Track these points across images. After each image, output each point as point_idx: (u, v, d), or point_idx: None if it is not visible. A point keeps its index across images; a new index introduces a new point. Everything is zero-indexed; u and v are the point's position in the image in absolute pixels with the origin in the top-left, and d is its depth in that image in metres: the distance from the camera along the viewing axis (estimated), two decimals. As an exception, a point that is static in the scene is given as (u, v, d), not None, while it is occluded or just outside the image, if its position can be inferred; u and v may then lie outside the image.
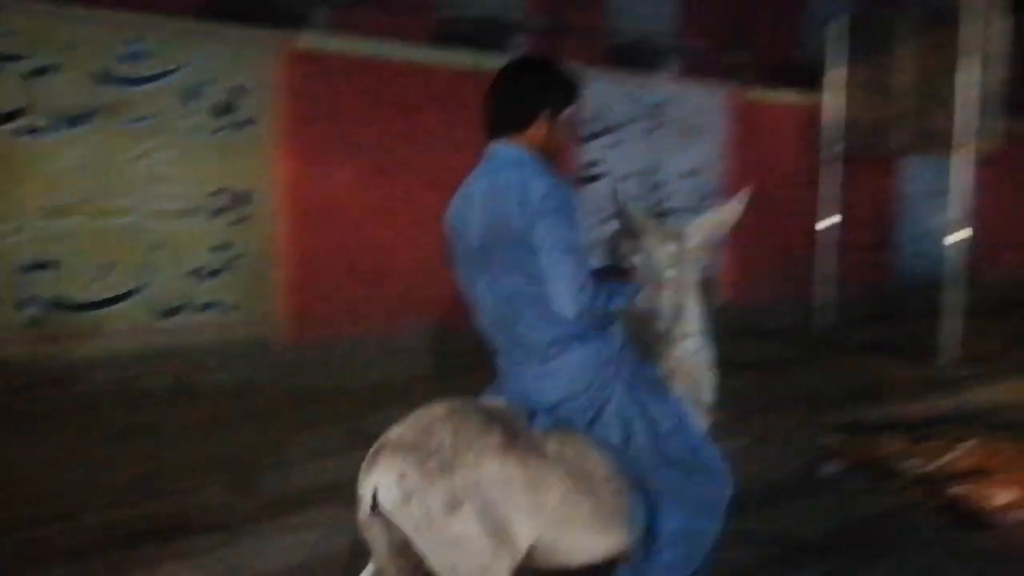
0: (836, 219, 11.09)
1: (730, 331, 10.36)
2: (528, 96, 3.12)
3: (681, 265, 3.38)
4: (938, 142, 9.80)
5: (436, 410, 3.02)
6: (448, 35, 11.97)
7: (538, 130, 3.11)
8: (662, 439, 3.07)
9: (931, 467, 6.02)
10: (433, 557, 2.81)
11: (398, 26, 10.81)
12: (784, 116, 11.33)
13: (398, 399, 7.42)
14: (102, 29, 6.94)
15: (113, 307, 7.15)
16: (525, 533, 2.87)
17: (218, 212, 7.47)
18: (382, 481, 2.81)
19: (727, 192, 10.88)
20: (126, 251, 7.13)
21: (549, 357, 3.04)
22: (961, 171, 9.32)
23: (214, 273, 7.50)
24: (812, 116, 11.25)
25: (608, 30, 13.40)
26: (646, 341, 3.32)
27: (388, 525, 2.83)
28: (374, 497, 2.81)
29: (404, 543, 2.84)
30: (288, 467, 5.78)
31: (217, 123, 7.40)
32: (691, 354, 3.38)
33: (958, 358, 9.30)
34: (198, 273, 7.44)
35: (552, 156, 3.12)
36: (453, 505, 2.78)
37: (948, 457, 6.08)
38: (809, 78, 11.74)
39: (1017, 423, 7.13)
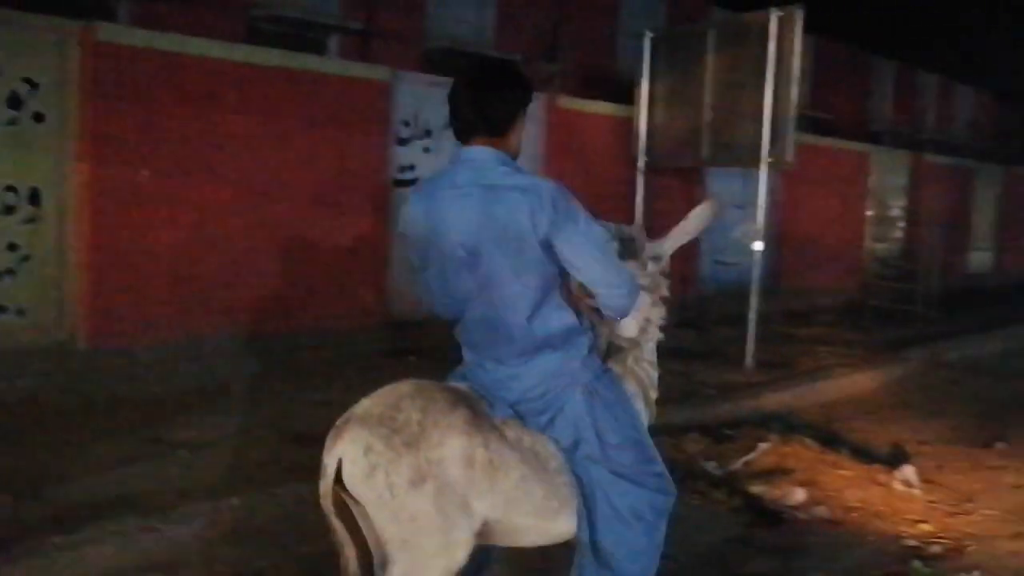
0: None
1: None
2: (508, 100, 3.14)
3: (658, 280, 3.64)
4: (740, 155, 10.17)
5: (403, 387, 3.05)
6: (261, 34, 11.71)
7: (515, 133, 3.17)
8: (609, 450, 3.13)
9: (732, 467, 6.22)
10: (386, 531, 2.86)
11: (209, 23, 10.51)
12: (599, 126, 11.53)
13: (201, 406, 7.19)
14: None
15: None
16: (480, 512, 2.94)
17: (7, 210, 7.02)
18: (348, 452, 2.85)
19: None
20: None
21: (521, 360, 3.13)
22: (763, 184, 9.68)
23: (2, 275, 7.05)
24: (626, 127, 11.50)
25: (424, 35, 13.40)
26: (608, 344, 3.47)
27: (347, 498, 2.88)
28: (338, 469, 2.85)
29: (362, 517, 2.90)
30: (79, 478, 5.46)
31: (7, 116, 6.96)
32: (645, 358, 3.55)
33: (759, 364, 9.65)
34: (-16, 275, 7.00)
35: (515, 157, 3.17)
36: (416, 481, 2.83)
37: (747, 458, 6.30)
38: (623, 90, 12.01)
39: (810, 425, 7.46)
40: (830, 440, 6.89)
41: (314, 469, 5.60)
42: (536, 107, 10.89)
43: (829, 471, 6.22)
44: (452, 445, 2.90)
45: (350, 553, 2.97)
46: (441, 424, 2.92)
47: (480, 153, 3.09)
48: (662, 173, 11.82)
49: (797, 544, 5.15)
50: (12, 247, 7.08)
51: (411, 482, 2.82)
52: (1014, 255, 22.17)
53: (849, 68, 20.07)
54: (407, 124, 9.58)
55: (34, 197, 7.15)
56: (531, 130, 10.80)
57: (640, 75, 11.23)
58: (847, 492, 5.92)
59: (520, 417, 3.14)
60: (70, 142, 7.28)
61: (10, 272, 7.09)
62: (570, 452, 3.14)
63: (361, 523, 2.94)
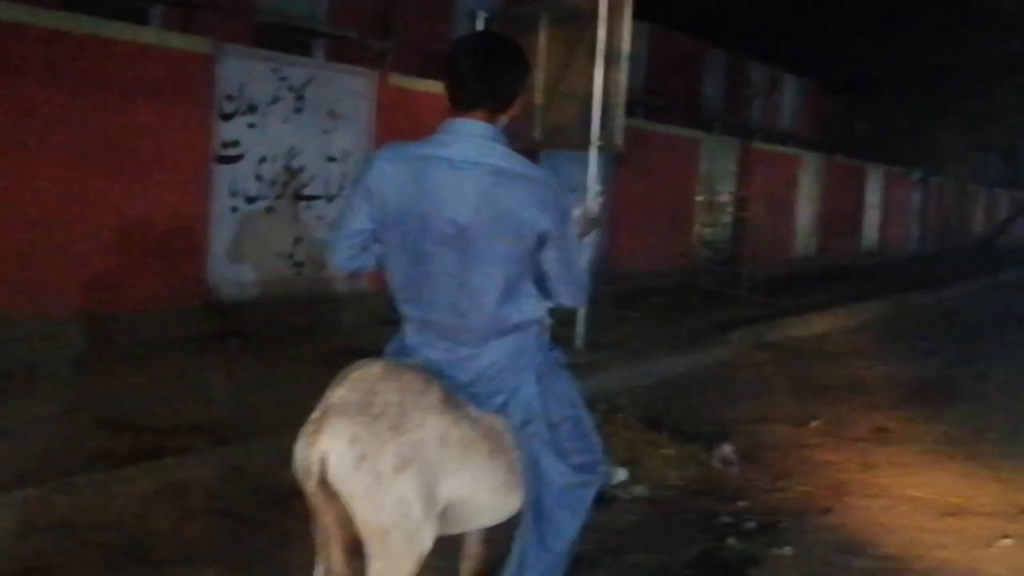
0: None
1: (375, 318, 10.36)
2: (515, 75, 3.10)
3: None
4: (571, 138, 10.19)
5: (373, 369, 2.93)
6: (78, 1, 11.14)
7: (512, 110, 3.10)
8: (553, 429, 3.13)
9: (556, 449, 6.19)
10: (370, 522, 2.77)
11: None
12: (433, 105, 11.37)
13: (5, 390, 6.76)
14: None
15: None
16: (444, 494, 2.90)
17: None
18: (333, 447, 2.73)
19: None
20: None
21: (481, 343, 3.07)
22: (592, 167, 9.72)
23: None
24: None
25: (252, 8, 13.01)
26: None
27: (326, 494, 2.77)
28: (322, 465, 2.73)
29: (347, 511, 2.77)
30: None
31: None
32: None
33: (589, 345, 9.71)
34: None
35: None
36: (401, 467, 2.77)
37: (571, 438, 6.28)
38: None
39: (635, 405, 7.53)
40: (653, 421, 6.96)
41: (122, 456, 5.40)
42: (367, 84, 10.74)
43: (651, 451, 6.28)
44: (430, 425, 2.85)
45: (336, 550, 2.87)
46: (420, 405, 2.86)
47: (480, 128, 3.01)
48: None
49: (616, 523, 5.16)
50: None
51: (396, 468, 2.76)
52: (836, 240, 23.09)
53: (683, 57, 20.48)
54: (231, 98, 9.23)
55: None
56: (362, 108, 10.60)
57: (473, 56, 11.14)
58: (667, 471, 5.99)
59: (475, 398, 3.07)
60: None
61: None
62: (519, 430, 3.12)
63: (337, 518, 2.82)
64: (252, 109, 9.43)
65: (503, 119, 3.07)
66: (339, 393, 2.86)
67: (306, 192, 10.06)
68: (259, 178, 9.56)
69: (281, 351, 8.71)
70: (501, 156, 2.97)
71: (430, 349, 3.11)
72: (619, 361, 9.26)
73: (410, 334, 3.16)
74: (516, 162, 2.98)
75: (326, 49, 13.86)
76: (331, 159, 10.34)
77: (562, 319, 10.37)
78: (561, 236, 3.03)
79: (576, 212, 3.42)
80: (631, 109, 10.52)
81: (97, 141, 8.01)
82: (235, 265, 9.35)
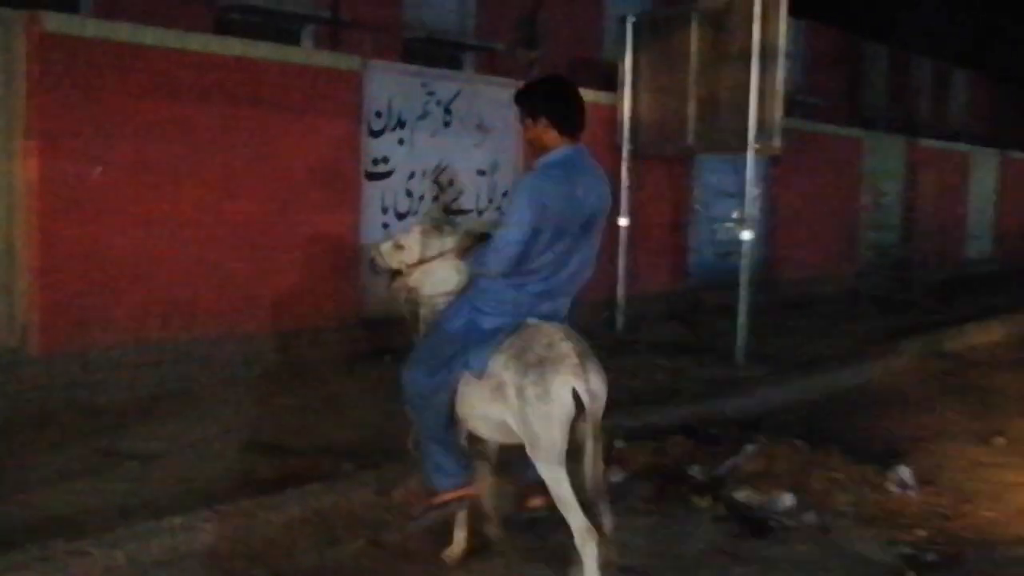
0: (628, 219, 11.02)
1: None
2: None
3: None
4: (726, 141, 9.82)
5: (563, 328, 4.17)
6: (230, 25, 11.36)
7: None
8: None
9: (716, 472, 5.86)
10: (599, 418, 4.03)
11: (176, 14, 10.15)
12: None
13: (160, 414, 6.85)
14: None
15: None
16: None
17: (-51, 210, 6.67)
18: (596, 379, 4.02)
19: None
20: None
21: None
22: (750, 171, 9.34)
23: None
24: (611, 115, 11.13)
25: (401, 24, 13.07)
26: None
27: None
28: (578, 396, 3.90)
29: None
30: (16, 495, 5.12)
31: (-52, 110, 6.61)
32: None
33: (750, 358, 9.31)
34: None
35: None
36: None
37: (731, 462, 5.94)
38: (608, 77, 11.65)
39: (801, 422, 7.10)
40: (821, 439, 6.52)
41: (269, 481, 5.34)
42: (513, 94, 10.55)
43: (819, 474, 5.84)
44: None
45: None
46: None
47: (583, 149, 4.26)
48: (648, 161, 11.47)
49: (783, 554, 4.81)
50: (-45, 248, 6.72)
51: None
52: (1011, 241, 21.79)
53: (841, 53, 19.73)
54: (379, 115, 9.19)
55: (-22, 196, 6.79)
56: (510, 119, 10.44)
57: (622, 60, 10.87)
58: (837, 496, 5.57)
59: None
60: (17, 139, 6.90)
61: (-46, 274, 6.73)
62: None
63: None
64: (401, 124, 9.37)
65: None
66: (571, 345, 4.01)
67: (456, 206, 9.95)
68: (409, 193, 9.50)
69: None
70: (597, 168, 4.35)
71: (548, 305, 4.24)
72: (781, 375, 8.83)
73: (527, 303, 4.20)
74: (600, 169, 4.36)
75: (475, 61, 13.83)
76: (480, 172, 10.21)
77: (720, 330, 10.10)
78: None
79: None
80: (789, 109, 10.07)
81: (247, 163, 8.06)
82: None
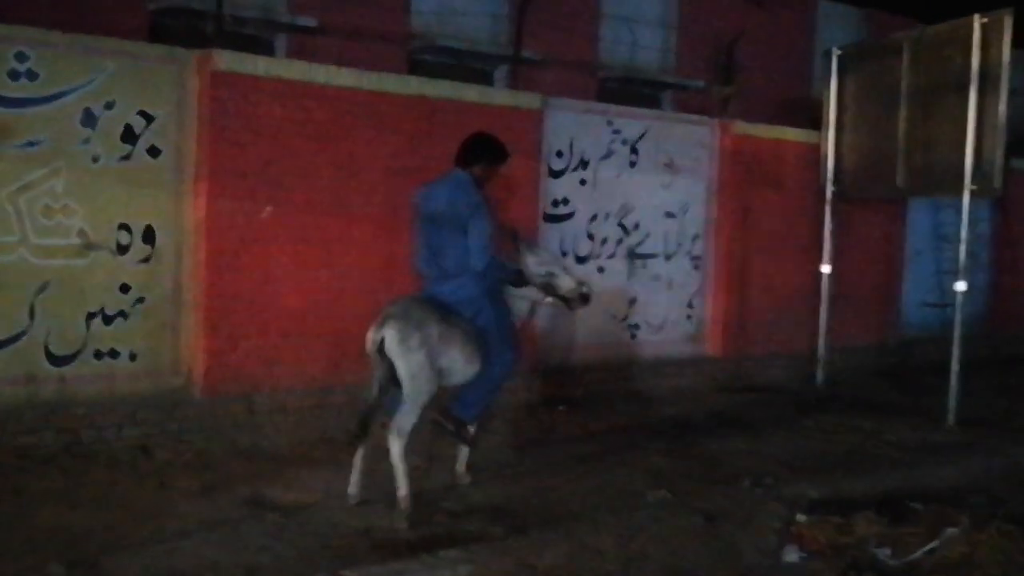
0: (830, 267, 10.21)
1: (717, 385, 9.57)
2: (474, 152, 6.07)
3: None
4: (940, 182, 8.96)
5: (410, 298, 5.94)
6: (422, 65, 11.31)
7: (478, 169, 6.03)
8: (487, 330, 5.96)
9: (910, 558, 5.11)
10: (403, 372, 5.62)
11: (368, 56, 10.16)
12: (782, 153, 10.46)
13: (317, 462, 6.62)
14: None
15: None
16: (441, 363, 5.75)
17: (120, 249, 6.68)
18: (388, 333, 5.60)
19: (716, 234, 10.05)
20: (11, 290, 6.35)
21: (455, 279, 5.92)
22: (965, 214, 8.45)
23: (114, 317, 6.69)
24: (814, 154, 10.38)
25: (598, 64, 12.77)
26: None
27: (384, 357, 5.65)
28: (381, 342, 5.63)
29: (391, 365, 5.65)
30: (150, 546, 4.93)
31: (121, 150, 6.64)
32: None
33: (962, 422, 8.37)
34: (96, 317, 6.64)
35: (481, 185, 6.02)
36: (419, 346, 5.61)
37: (929, 547, 5.15)
38: (809, 114, 10.93)
39: (1013, 502, 6.19)
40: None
41: (411, 543, 5.00)
42: (708, 133, 10.02)
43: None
44: (434, 327, 5.69)
45: (375, 388, 5.74)
46: (431, 317, 5.71)
47: (457, 172, 6.05)
48: (855, 204, 10.64)
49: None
50: (125, 288, 6.73)
51: (419, 346, 5.62)
52: None
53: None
54: (560, 155, 8.83)
55: (148, 236, 6.80)
56: (703, 158, 9.89)
57: (827, 96, 10.13)
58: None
59: (456, 309, 5.91)
60: (187, 177, 6.92)
61: (123, 314, 6.74)
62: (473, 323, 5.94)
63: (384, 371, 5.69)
64: (583, 164, 9.00)
65: (475, 172, 6.03)
66: (391, 309, 5.73)
67: (641, 250, 9.45)
68: (590, 236, 9.08)
69: (606, 419, 8.17)
70: (461, 184, 5.97)
71: (434, 285, 6.02)
72: (996, 442, 7.86)
73: (427, 283, 6.10)
74: (464, 186, 5.96)
75: (674, 100, 13.36)
76: (669, 215, 9.69)
77: (930, 388, 9.13)
78: (471, 218, 5.81)
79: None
80: (1013, 146, 9.09)
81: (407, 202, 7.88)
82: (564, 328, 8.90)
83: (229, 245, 6.99)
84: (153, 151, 6.78)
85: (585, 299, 6.24)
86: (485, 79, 11.76)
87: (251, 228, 7.07)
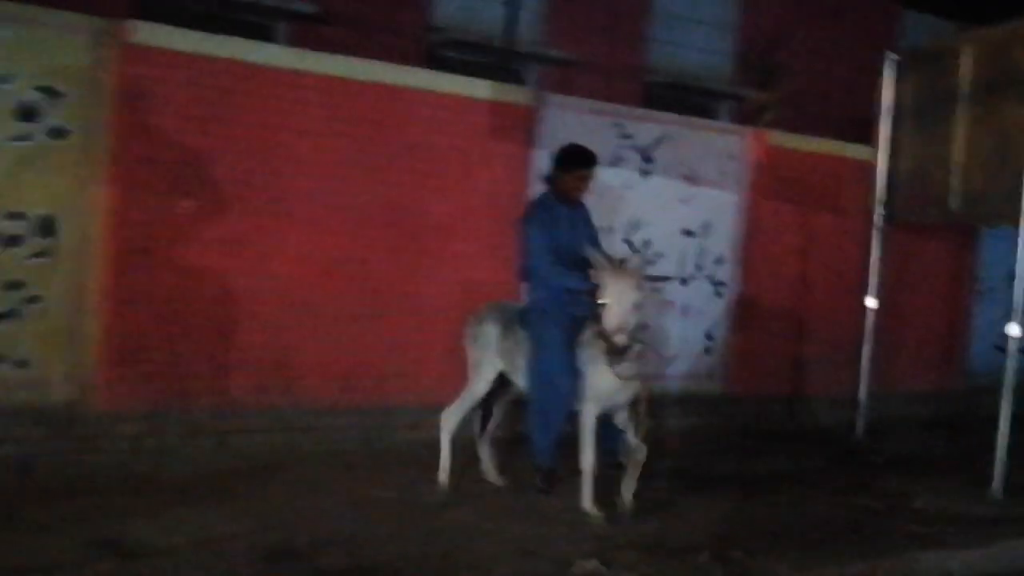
0: (877, 301, 8.92)
1: (734, 428, 8.43)
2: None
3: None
4: (995, 209, 7.67)
5: (500, 304, 6.25)
6: (441, 60, 10.43)
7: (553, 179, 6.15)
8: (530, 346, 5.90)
9: None
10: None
11: (384, 48, 9.31)
12: (825, 169, 9.26)
13: (211, 499, 5.68)
14: None
15: None
16: (504, 365, 6.00)
17: (10, 241, 5.90)
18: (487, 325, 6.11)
19: (743, 255, 8.91)
20: None
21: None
22: (1022, 246, 7.16)
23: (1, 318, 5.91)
24: (862, 172, 9.13)
25: (647, 68, 11.83)
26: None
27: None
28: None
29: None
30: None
31: (17, 130, 5.85)
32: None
33: (1012, 490, 7.08)
34: (-20, 318, 5.86)
35: (561, 196, 6.07)
36: (472, 341, 6.10)
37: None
38: (859, 127, 9.69)
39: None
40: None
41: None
42: (739, 143, 8.89)
43: None
44: (493, 325, 6.02)
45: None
46: (500, 318, 6.03)
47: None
48: (913, 230, 9.37)
49: None
50: (15, 285, 5.94)
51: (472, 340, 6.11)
52: None
53: None
54: (555, 158, 7.84)
55: (47, 227, 6.01)
56: (731, 170, 8.77)
57: (878, 107, 8.86)
58: None
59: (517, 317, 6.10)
60: (95, 163, 6.09)
61: (11, 314, 5.94)
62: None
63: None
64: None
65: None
66: (487, 310, 6.17)
67: (652, 272, 8.36)
68: (593, 253, 8.04)
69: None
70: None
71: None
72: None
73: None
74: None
75: (730, 110, 12.29)
76: (687, 232, 8.58)
77: (987, 444, 7.79)
78: None
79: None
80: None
81: (385, 206, 6.98)
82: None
83: (140, 241, 6.17)
84: (57, 132, 5.98)
85: (617, 351, 5.42)
86: (516, 79, 10.82)
87: (168, 223, 6.24)
